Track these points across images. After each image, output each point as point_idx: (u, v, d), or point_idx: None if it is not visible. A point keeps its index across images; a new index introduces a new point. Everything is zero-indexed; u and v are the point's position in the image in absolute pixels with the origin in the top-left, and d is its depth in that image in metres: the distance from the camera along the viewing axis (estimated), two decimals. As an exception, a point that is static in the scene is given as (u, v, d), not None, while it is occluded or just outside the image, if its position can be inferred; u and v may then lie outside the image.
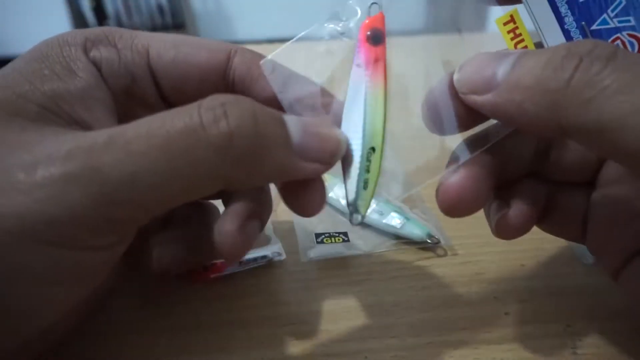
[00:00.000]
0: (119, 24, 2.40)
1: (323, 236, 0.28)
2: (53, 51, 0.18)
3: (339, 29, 0.19)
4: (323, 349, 0.22)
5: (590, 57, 0.14)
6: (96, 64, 0.19)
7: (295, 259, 0.27)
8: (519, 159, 0.21)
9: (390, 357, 0.21)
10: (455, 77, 0.18)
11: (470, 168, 0.19)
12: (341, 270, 0.26)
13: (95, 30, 0.20)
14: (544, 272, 0.25)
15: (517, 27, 0.19)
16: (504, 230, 0.20)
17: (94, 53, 0.19)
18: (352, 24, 0.19)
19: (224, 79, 0.20)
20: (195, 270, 0.25)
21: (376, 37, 0.18)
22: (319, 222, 0.30)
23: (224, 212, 0.20)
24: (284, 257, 0.27)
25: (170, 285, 0.25)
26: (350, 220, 0.19)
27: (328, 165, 0.18)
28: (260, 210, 0.20)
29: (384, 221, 0.28)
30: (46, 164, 0.14)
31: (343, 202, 0.20)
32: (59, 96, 0.17)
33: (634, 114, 0.13)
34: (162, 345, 0.22)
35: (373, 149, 0.19)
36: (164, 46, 0.20)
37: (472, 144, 0.19)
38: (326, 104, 0.20)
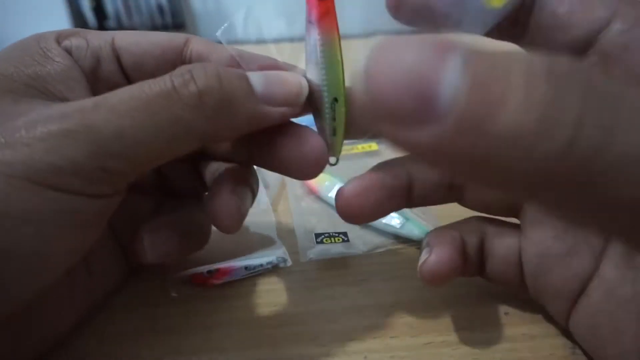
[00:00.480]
0: (119, 24, 2.40)
1: (323, 236, 0.28)
2: (30, 44, 0.20)
3: None
4: (323, 349, 0.22)
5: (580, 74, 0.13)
6: (67, 51, 0.21)
7: (295, 259, 0.27)
8: (428, 184, 0.22)
9: (390, 357, 0.21)
10: (364, 95, 0.18)
11: (364, 180, 0.21)
12: (341, 270, 0.26)
13: (68, 29, 0.22)
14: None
15: None
16: (424, 277, 0.21)
17: (65, 42, 0.21)
18: None
19: (182, 59, 0.22)
20: (199, 276, 0.25)
21: None
22: (319, 222, 0.30)
23: (213, 184, 0.22)
24: (290, 263, 0.26)
25: (170, 285, 0.25)
26: (329, 164, 0.21)
27: (295, 106, 0.20)
28: (247, 177, 0.23)
29: (384, 221, 0.28)
30: (44, 122, 0.16)
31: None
32: (41, 77, 0.19)
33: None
34: (162, 345, 0.22)
35: (335, 99, 0.20)
36: (126, 34, 0.22)
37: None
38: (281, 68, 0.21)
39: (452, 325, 0.22)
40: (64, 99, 0.19)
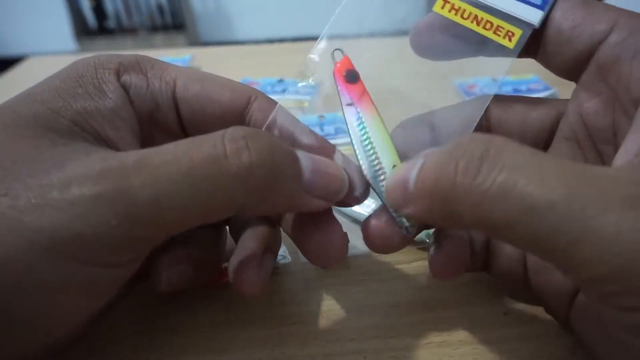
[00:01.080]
0: (119, 24, 2.40)
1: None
2: (88, 72, 0.20)
3: (311, 82, 0.22)
4: (323, 349, 0.22)
5: (464, 161, 0.15)
6: (125, 88, 0.20)
7: (295, 259, 0.27)
8: None
9: (390, 357, 0.21)
10: (385, 190, 0.19)
11: (450, 245, 0.21)
12: (341, 270, 0.26)
13: (129, 57, 0.21)
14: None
15: (454, 5, 0.20)
16: (434, 272, 0.21)
17: (124, 77, 0.20)
18: (317, 75, 0.21)
19: (241, 120, 0.21)
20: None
21: (352, 76, 0.21)
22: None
23: (240, 247, 0.21)
24: (289, 260, 0.27)
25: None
26: (407, 233, 0.20)
27: (331, 202, 0.19)
28: (272, 244, 0.22)
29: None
30: (79, 183, 0.15)
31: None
32: (89, 114, 0.18)
33: (517, 217, 0.14)
34: (162, 345, 0.22)
35: (395, 166, 0.20)
36: (190, 80, 0.21)
37: None
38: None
39: (452, 325, 0.22)
40: (107, 140, 0.19)
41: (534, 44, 0.21)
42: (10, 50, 2.36)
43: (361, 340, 0.22)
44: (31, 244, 0.14)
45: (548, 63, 0.21)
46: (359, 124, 0.20)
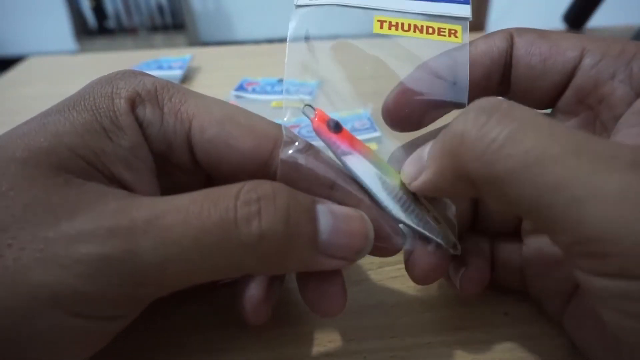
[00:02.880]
0: (119, 24, 2.40)
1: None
2: (105, 103, 0.18)
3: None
4: (323, 349, 0.22)
5: (476, 112, 0.15)
6: (139, 122, 0.19)
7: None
8: (460, 221, 0.22)
9: (390, 357, 0.21)
10: (401, 172, 0.19)
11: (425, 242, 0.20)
12: (341, 270, 0.26)
13: (148, 84, 0.19)
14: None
15: (390, 22, 0.21)
16: (470, 287, 0.21)
17: (139, 110, 0.19)
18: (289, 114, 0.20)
19: (266, 167, 0.19)
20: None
21: (336, 126, 0.20)
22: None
23: (249, 277, 0.20)
24: None
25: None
26: (457, 253, 0.20)
27: (352, 262, 0.18)
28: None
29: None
30: (86, 241, 0.15)
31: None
32: (105, 155, 0.18)
33: (522, 168, 0.14)
34: (162, 345, 0.22)
35: (413, 193, 0.20)
36: (208, 121, 0.19)
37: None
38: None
39: (452, 325, 0.22)
40: (122, 182, 0.18)
41: (504, 83, 0.21)
42: (10, 50, 2.37)
43: (361, 340, 0.22)
44: (33, 298, 0.14)
45: (523, 98, 0.21)
46: (367, 170, 0.19)
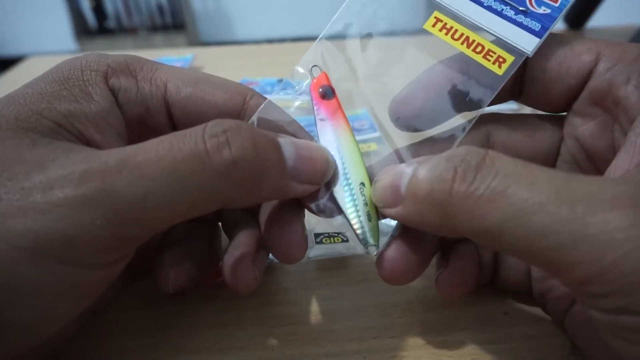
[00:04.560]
0: (119, 24, 2.40)
1: (322, 236, 0.28)
2: (74, 74, 0.19)
3: (296, 91, 0.22)
4: (323, 349, 0.22)
5: (462, 167, 0.15)
6: (113, 92, 0.20)
7: (295, 259, 0.27)
8: None
9: (390, 357, 0.21)
10: (372, 189, 0.19)
11: (403, 240, 0.20)
12: (340, 270, 0.26)
13: (118, 59, 0.20)
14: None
15: (446, 24, 0.20)
16: (442, 290, 0.21)
17: (113, 81, 0.20)
18: (304, 86, 0.21)
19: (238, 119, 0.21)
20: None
21: (328, 93, 0.21)
22: (318, 222, 0.30)
23: (233, 245, 0.21)
24: None
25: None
26: (368, 253, 0.20)
27: (317, 185, 0.20)
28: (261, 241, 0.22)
29: (383, 221, 0.28)
30: (61, 185, 0.15)
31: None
32: (73, 116, 0.18)
33: (508, 220, 0.14)
34: (162, 345, 0.22)
35: (363, 183, 0.20)
36: (182, 82, 0.21)
37: None
38: None
39: (452, 325, 0.22)
40: (92, 142, 0.18)
41: (515, 86, 0.21)
42: (10, 50, 2.36)
43: (361, 340, 0.22)
44: (15, 247, 0.14)
45: (536, 102, 0.21)
46: (330, 142, 0.20)
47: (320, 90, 0.21)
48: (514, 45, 0.19)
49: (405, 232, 0.20)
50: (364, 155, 0.21)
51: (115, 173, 0.15)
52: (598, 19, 0.67)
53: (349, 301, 0.24)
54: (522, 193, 0.14)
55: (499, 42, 0.20)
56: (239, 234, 0.22)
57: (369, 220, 0.20)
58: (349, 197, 0.20)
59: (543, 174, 0.15)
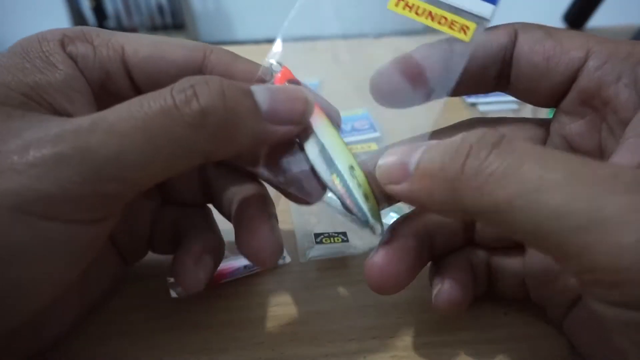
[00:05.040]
0: (119, 24, 2.40)
1: (322, 236, 0.28)
2: (32, 47, 0.19)
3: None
4: (323, 349, 0.22)
5: (478, 145, 0.15)
6: (72, 58, 0.20)
7: (294, 259, 0.27)
8: (447, 234, 0.21)
9: (390, 357, 0.21)
10: (377, 167, 0.19)
11: (393, 247, 0.20)
12: (340, 270, 0.26)
13: (73, 29, 0.21)
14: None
15: (407, 2, 0.21)
16: (441, 308, 0.21)
17: (70, 48, 0.20)
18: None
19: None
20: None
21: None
22: (318, 223, 0.30)
23: (181, 249, 0.22)
24: (289, 260, 0.27)
25: (170, 285, 0.25)
26: (373, 233, 0.20)
27: (300, 124, 0.19)
28: (212, 246, 0.23)
29: (383, 221, 0.28)
30: (37, 146, 0.15)
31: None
32: (40, 87, 0.18)
33: (520, 196, 0.14)
34: (162, 345, 0.22)
35: (352, 166, 0.20)
36: (140, 44, 0.21)
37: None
38: None
39: (452, 325, 0.22)
40: (63, 112, 0.18)
41: (504, 78, 0.21)
42: (10, 51, 2.36)
43: (361, 340, 0.22)
44: None
45: (524, 96, 0.21)
46: (309, 131, 0.20)
47: (285, 84, 0.21)
48: (473, 13, 0.20)
49: (393, 239, 0.20)
50: (363, 155, 0.20)
51: (89, 133, 0.16)
52: (598, 19, 0.67)
53: (349, 301, 0.24)
54: (537, 170, 0.14)
55: (459, 12, 0.20)
56: (188, 239, 0.23)
57: (367, 200, 0.20)
58: (341, 182, 0.20)
59: (560, 155, 0.14)
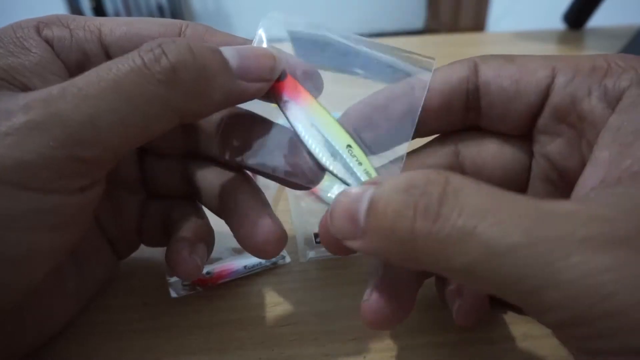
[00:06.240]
0: (119, 24, 2.40)
1: (323, 236, 0.28)
2: (7, 34, 0.19)
3: None
4: (323, 349, 0.22)
5: (423, 200, 0.14)
6: (48, 42, 0.20)
7: (294, 259, 0.27)
8: None
9: (390, 357, 0.21)
10: (329, 220, 0.17)
11: (385, 285, 0.19)
12: (340, 270, 0.26)
13: (48, 16, 0.21)
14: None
15: None
16: (465, 320, 0.20)
17: (45, 32, 0.20)
18: None
19: None
20: (199, 277, 0.25)
21: (281, 74, 0.20)
22: (318, 222, 0.30)
23: (174, 238, 0.22)
24: (289, 260, 0.27)
25: (170, 285, 0.25)
26: None
27: (270, 80, 0.20)
28: (204, 234, 0.23)
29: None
30: (7, 116, 0.15)
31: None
32: (13, 69, 0.18)
33: (479, 263, 0.13)
34: (162, 345, 0.22)
35: (349, 145, 0.20)
36: (115, 23, 0.21)
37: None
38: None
39: (452, 325, 0.22)
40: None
41: (472, 111, 0.20)
42: (10, 51, 2.36)
43: (361, 340, 0.22)
44: None
45: (498, 123, 0.20)
46: (299, 117, 0.20)
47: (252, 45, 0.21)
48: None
49: (386, 276, 0.19)
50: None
51: (59, 98, 0.16)
52: (598, 19, 0.67)
53: (349, 301, 0.24)
54: (490, 233, 0.13)
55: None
56: (181, 227, 0.23)
57: (370, 177, 0.20)
58: (340, 162, 0.20)
59: (512, 207, 0.13)
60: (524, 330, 0.22)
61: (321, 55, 0.21)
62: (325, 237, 0.19)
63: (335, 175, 0.20)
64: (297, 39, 0.21)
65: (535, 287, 0.13)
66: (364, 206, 0.15)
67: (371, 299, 0.19)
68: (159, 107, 0.17)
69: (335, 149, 0.20)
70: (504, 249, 0.13)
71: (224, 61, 0.18)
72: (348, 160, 0.20)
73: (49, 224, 0.16)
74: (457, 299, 0.20)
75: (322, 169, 0.20)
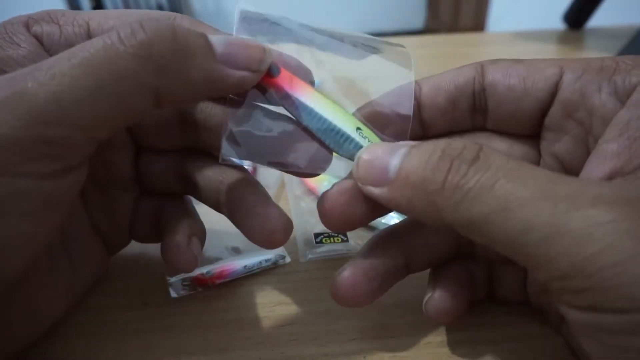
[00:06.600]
0: (119, 23, 2.40)
1: (322, 236, 0.28)
2: None
3: None
4: (322, 349, 0.22)
5: (458, 160, 0.16)
6: (37, 38, 0.20)
7: (294, 259, 0.27)
8: (429, 254, 0.22)
9: (390, 357, 0.21)
10: (354, 166, 0.18)
11: (362, 267, 0.20)
12: (341, 270, 0.26)
13: (38, 12, 0.21)
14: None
15: None
16: (431, 315, 0.21)
17: (35, 28, 0.20)
18: None
19: None
20: (198, 277, 0.25)
21: (273, 69, 0.20)
22: (318, 222, 0.30)
23: (170, 233, 0.22)
24: (288, 260, 0.27)
25: (170, 285, 0.25)
26: None
27: (257, 72, 0.19)
28: (197, 229, 0.23)
29: (383, 220, 0.28)
30: None
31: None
32: (1, 61, 0.18)
33: (492, 213, 0.14)
34: (162, 345, 0.22)
35: (358, 128, 0.20)
36: (104, 17, 0.21)
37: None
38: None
39: (451, 325, 0.22)
40: None
41: (479, 113, 0.21)
42: (10, 50, 2.36)
43: (361, 340, 0.22)
44: None
45: (507, 122, 0.21)
46: (305, 108, 0.20)
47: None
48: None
49: (365, 256, 0.20)
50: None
51: (25, 76, 0.15)
52: (598, 19, 0.67)
53: (349, 301, 0.24)
54: (508, 187, 0.14)
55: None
56: (175, 222, 0.23)
57: None
58: (352, 145, 0.20)
59: (531, 171, 0.15)
60: (524, 330, 0.22)
61: (287, 35, 0.21)
62: (333, 201, 0.19)
63: (351, 159, 0.20)
64: (258, 21, 0.20)
65: (542, 237, 0.14)
66: (398, 158, 0.17)
67: (345, 273, 0.19)
68: (129, 84, 0.16)
69: (346, 133, 0.20)
70: (518, 201, 0.14)
71: (207, 44, 0.17)
72: (361, 142, 0.20)
73: (19, 211, 0.16)
74: (430, 292, 0.21)
75: (331, 153, 0.20)
